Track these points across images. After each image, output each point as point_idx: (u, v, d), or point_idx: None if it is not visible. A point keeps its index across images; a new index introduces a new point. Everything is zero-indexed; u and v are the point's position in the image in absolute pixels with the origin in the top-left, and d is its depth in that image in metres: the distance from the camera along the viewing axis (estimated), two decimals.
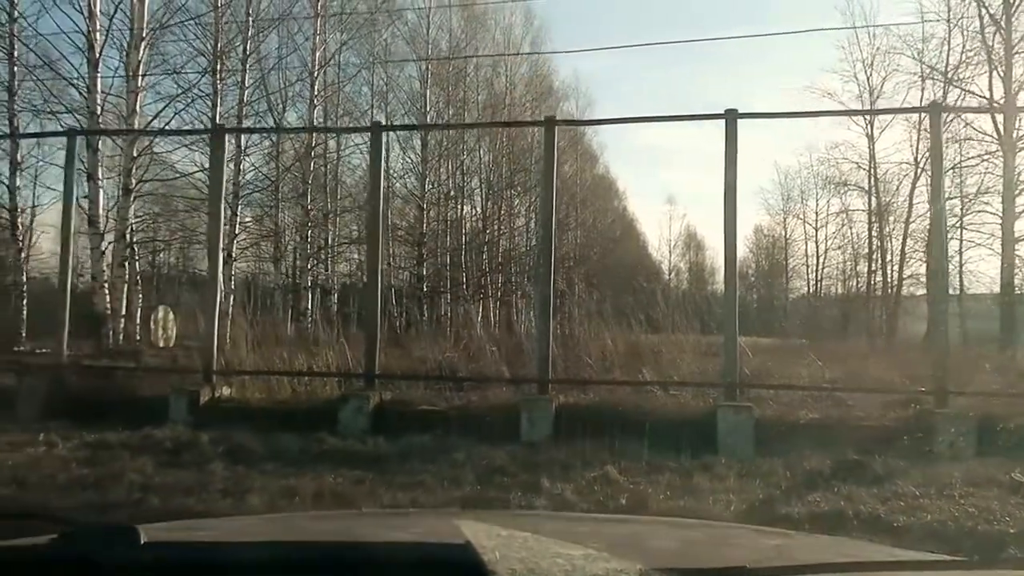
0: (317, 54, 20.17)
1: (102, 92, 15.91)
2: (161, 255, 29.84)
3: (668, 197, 75.63)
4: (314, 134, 20.37)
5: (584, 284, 20.02)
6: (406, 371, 8.10)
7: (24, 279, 18.02)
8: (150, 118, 16.92)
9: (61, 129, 14.99)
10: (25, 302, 17.59)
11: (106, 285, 15.93)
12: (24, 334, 17.10)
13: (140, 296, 19.39)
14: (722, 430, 6.35)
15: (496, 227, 26.24)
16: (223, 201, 8.38)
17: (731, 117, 7.06)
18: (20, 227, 18.55)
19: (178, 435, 6.32)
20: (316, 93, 20.26)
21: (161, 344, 17.19)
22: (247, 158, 19.49)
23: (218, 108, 17.99)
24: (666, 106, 73.61)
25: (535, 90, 27.74)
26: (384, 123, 18.30)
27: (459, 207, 25.46)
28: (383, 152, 8.17)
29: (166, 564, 1.02)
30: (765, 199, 37.03)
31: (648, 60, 79.24)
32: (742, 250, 39.07)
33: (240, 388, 7.47)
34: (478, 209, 26.40)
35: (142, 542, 1.00)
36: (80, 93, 16.10)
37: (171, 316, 18.21)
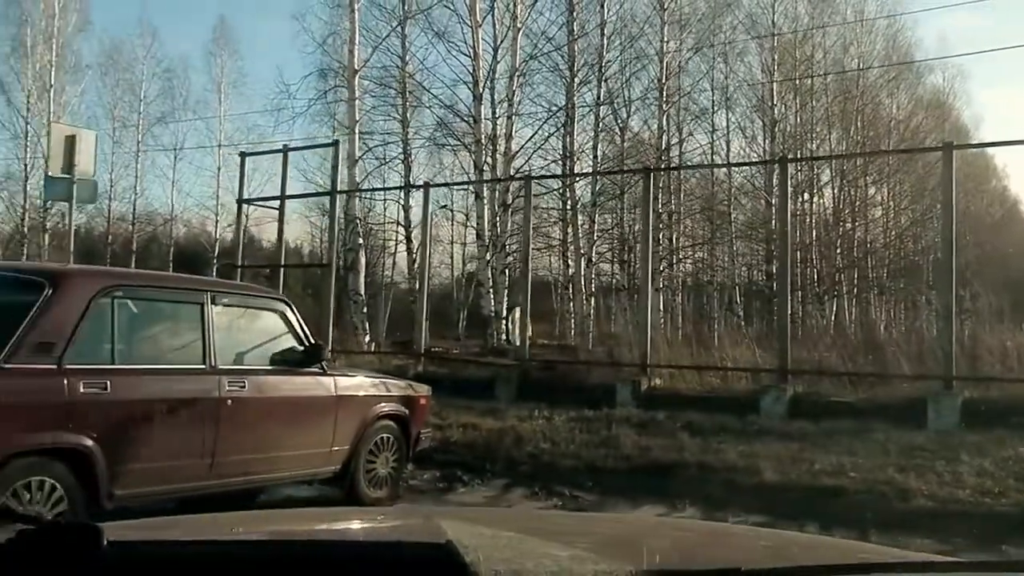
0: (666, 60, 22.49)
1: (485, 120, 19.58)
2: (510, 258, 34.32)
3: None
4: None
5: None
6: (814, 367, 9.93)
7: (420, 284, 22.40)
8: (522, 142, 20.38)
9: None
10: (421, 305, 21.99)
11: (490, 291, 19.51)
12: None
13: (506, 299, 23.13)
14: None
15: (851, 219, 26.72)
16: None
17: None
18: (411, 240, 23.09)
19: (632, 415, 8.74)
20: (664, 98, 22.62)
21: (519, 343, 20.51)
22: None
23: (575, 124, 21.09)
24: None
25: (893, 67, 27.67)
26: (725, 118, 20.16)
27: (809, 199, 26.39)
28: (787, 184, 10.10)
29: (131, 564, 1.05)
30: None
31: None
32: None
33: (668, 379, 9.83)
34: (828, 201, 27.09)
35: (106, 541, 1.00)
36: (466, 123, 19.94)
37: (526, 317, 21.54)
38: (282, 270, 13.40)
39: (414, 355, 12.11)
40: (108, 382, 4.57)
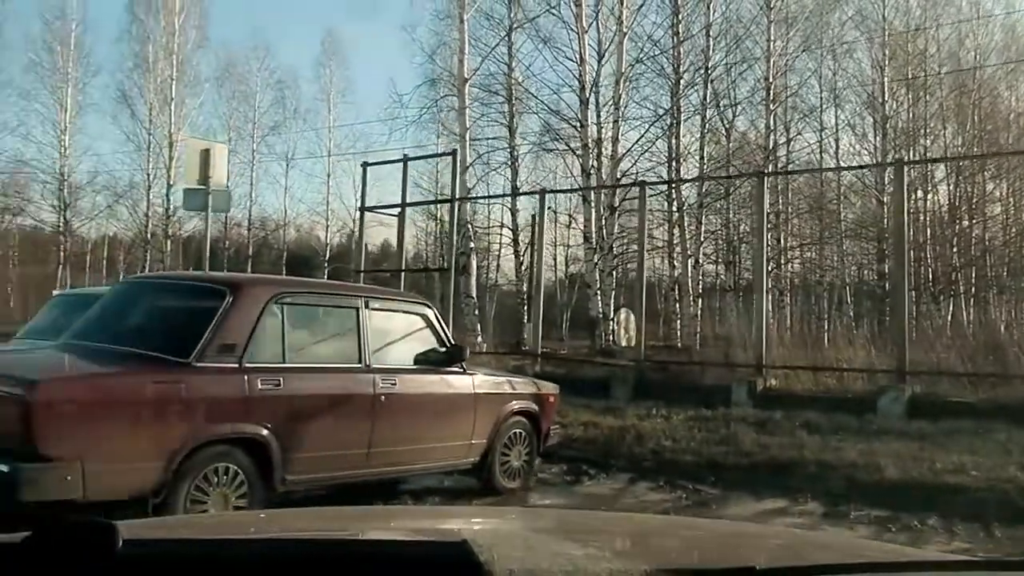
0: (772, 59, 22.35)
1: (591, 124, 19.91)
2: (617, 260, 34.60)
3: None
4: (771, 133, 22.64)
5: None
6: (932, 367, 9.92)
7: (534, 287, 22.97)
8: (629, 145, 20.62)
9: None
10: (527, 307, 22.48)
11: (598, 293, 19.82)
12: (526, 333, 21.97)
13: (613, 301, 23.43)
14: None
15: (968, 216, 25.93)
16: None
17: None
18: (518, 243, 23.65)
19: (749, 414, 8.95)
20: (771, 97, 22.48)
21: (624, 344, 20.73)
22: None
23: (680, 126, 21.21)
24: None
25: (1012, 58, 26.70)
26: (834, 116, 19.93)
27: (923, 196, 25.73)
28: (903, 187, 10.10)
29: (146, 562, 1.06)
30: None
31: None
32: None
33: (783, 379, 9.99)
34: (943, 198, 26.34)
35: (121, 540, 1.02)
36: (573, 127, 20.31)
37: (632, 318, 21.74)
38: (402, 274, 14.02)
39: (530, 355, 12.54)
40: (280, 379, 5.13)
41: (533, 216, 26.19)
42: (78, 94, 34.39)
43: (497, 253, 30.37)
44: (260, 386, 5.01)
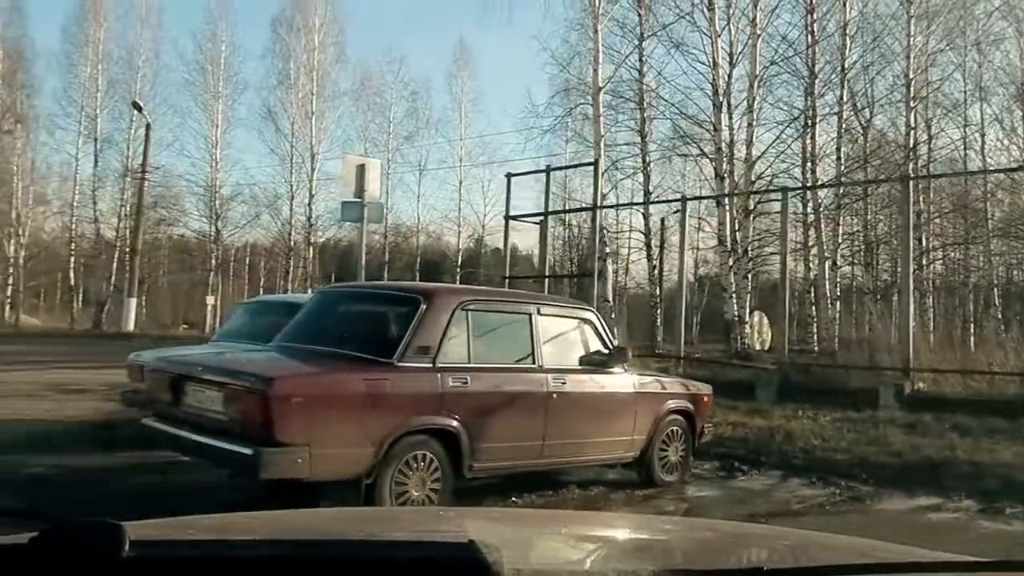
0: (912, 55, 21.87)
1: (726, 128, 20.05)
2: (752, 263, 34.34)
3: None
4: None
5: None
6: None
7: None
8: (763, 147, 20.64)
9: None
10: (660, 310, 22.80)
11: (733, 296, 19.91)
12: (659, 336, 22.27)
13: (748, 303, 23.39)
14: None
15: None
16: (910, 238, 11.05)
17: None
18: (651, 247, 23.96)
19: (897, 416, 9.10)
20: (912, 94, 22.01)
21: (757, 347, 20.67)
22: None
23: (815, 127, 21.06)
24: None
25: None
26: (979, 111, 19.31)
27: None
28: None
29: (154, 563, 1.06)
30: None
31: None
32: None
33: (931, 382, 10.04)
34: None
35: (128, 540, 1.02)
36: (706, 131, 20.49)
37: (765, 321, 21.64)
38: (545, 280, 14.64)
39: (671, 357, 12.92)
40: (467, 377, 5.76)
41: (662, 220, 26.54)
42: (228, 110, 36.85)
43: (627, 257, 30.70)
44: (451, 383, 5.65)
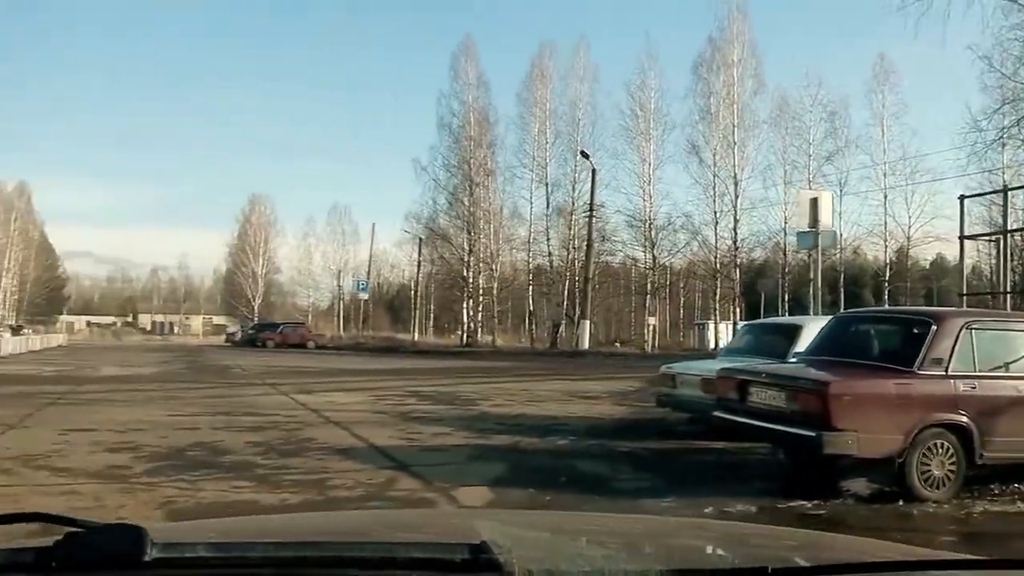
0: None
1: None
2: None
3: None
4: None
5: None
6: None
7: None
8: None
9: None
10: None
11: None
12: None
13: None
14: None
15: None
16: None
17: None
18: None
19: None
20: None
21: None
22: None
23: None
24: None
25: None
26: None
27: None
28: None
29: (175, 564, 1.09)
30: None
31: None
32: None
33: None
34: None
35: (151, 542, 1.05)
36: None
37: None
38: (1006, 296, 14.89)
39: None
40: (975, 383, 7.18)
41: None
42: (658, 149, 40.48)
43: None
44: (961, 388, 7.12)
